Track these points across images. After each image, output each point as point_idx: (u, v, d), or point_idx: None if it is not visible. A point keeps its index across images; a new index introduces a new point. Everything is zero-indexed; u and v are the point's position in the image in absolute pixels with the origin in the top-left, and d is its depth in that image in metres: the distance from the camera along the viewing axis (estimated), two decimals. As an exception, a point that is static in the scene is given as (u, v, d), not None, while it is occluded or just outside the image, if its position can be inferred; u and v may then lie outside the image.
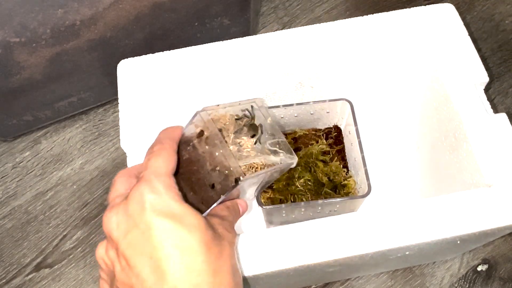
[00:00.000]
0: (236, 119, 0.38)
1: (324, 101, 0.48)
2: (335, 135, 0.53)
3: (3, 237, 0.59)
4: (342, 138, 0.53)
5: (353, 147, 0.48)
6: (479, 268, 0.57)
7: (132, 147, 0.42)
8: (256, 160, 0.36)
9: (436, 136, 0.46)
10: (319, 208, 0.46)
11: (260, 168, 0.37)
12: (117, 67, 0.45)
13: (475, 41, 0.65)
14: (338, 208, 0.47)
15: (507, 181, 0.38)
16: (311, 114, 0.50)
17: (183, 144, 0.37)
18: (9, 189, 0.62)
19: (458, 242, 0.40)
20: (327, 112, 0.50)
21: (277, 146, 0.40)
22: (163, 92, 0.46)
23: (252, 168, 0.36)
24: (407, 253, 0.41)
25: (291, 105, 0.48)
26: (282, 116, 0.50)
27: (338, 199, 0.45)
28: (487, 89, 0.64)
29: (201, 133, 0.36)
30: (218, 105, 0.38)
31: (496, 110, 0.65)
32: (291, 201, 0.48)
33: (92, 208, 0.61)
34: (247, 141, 0.37)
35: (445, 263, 0.57)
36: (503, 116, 0.40)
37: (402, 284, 0.56)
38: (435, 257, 0.54)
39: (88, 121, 0.66)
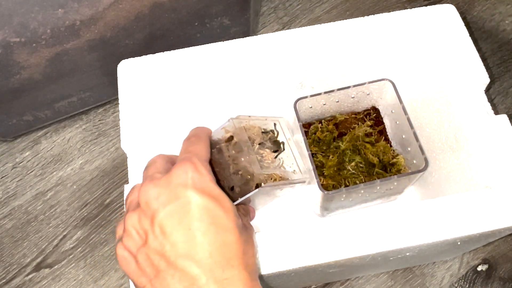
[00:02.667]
0: (262, 132, 0.41)
1: (364, 83, 0.48)
2: (374, 116, 0.53)
3: (3, 237, 0.59)
4: (381, 118, 0.54)
5: (399, 125, 0.49)
6: (479, 268, 0.57)
7: (132, 148, 0.42)
8: (277, 172, 0.39)
9: (437, 137, 0.46)
10: (378, 187, 0.46)
11: (278, 180, 0.39)
12: (117, 68, 0.45)
13: (475, 41, 0.65)
14: (395, 186, 0.47)
15: (508, 182, 0.38)
16: (352, 97, 0.51)
17: None
18: (9, 189, 0.62)
19: (459, 243, 0.40)
20: (367, 94, 0.51)
21: (293, 164, 0.42)
22: (164, 93, 0.46)
23: (271, 178, 0.38)
24: (407, 254, 0.41)
25: (332, 91, 0.48)
26: (324, 103, 0.50)
27: (395, 177, 0.44)
28: (487, 89, 0.64)
29: (230, 138, 0.38)
30: (249, 116, 0.41)
31: (496, 110, 0.66)
32: (345, 185, 0.49)
33: (92, 208, 0.61)
34: (269, 154, 0.40)
35: (445, 263, 0.57)
36: (503, 117, 0.40)
37: (402, 284, 0.56)
38: (435, 257, 0.54)
39: (88, 121, 0.66)
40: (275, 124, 0.42)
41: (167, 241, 0.29)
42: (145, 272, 0.30)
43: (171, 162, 0.35)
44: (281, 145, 0.41)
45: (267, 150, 0.40)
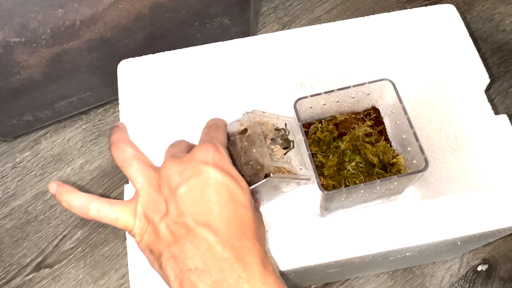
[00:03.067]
0: (275, 129, 0.43)
1: (364, 83, 0.49)
2: (374, 116, 0.54)
3: (3, 237, 0.59)
4: (381, 118, 0.54)
5: (399, 125, 0.49)
6: (479, 268, 0.57)
7: (132, 148, 0.42)
8: (285, 166, 0.41)
9: (437, 137, 0.46)
10: (378, 187, 0.46)
11: (286, 173, 0.41)
12: (117, 67, 0.45)
13: (475, 41, 0.65)
14: (395, 186, 0.47)
15: (507, 182, 0.38)
16: (352, 97, 0.51)
17: None
18: (9, 189, 0.62)
19: (459, 243, 0.40)
20: (367, 94, 0.51)
21: (300, 162, 0.44)
22: (164, 93, 0.46)
23: (280, 171, 0.41)
24: (407, 254, 0.41)
25: (332, 91, 0.48)
26: (324, 103, 0.51)
27: (395, 177, 0.44)
28: (487, 89, 0.64)
29: (244, 131, 0.41)
30: (263, 112, 0.44)
31: (496, 110, 0.66)
32: (345, 185, 0.49)
33: (92, 208, 0.60)
34: (279, 150, 0.42)
35: (445, 263, 0.57)
36: (503, 117, 0.40)
37: (402, 284, 0.56)
38: (435, 257, 0.54)
39: (88, 121, 0.66)
40: (285, 124, 0.45)
41: (188, 211, 0.31)
42: (163, 239, 0.31)
43: (191, 147, 0.38)
44: (291, 143, 0.43)
45: (277, 146, 0.42)
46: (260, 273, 0.29)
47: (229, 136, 0.42)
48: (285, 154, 0.42)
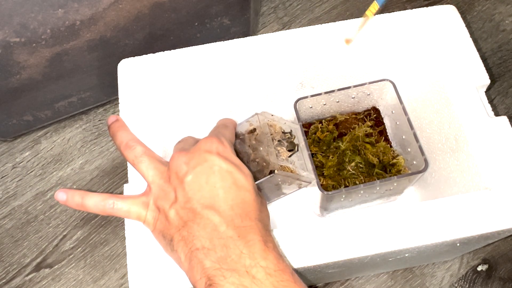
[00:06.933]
0: (282, 132, 0.45)
1: (365, 83, 0.49)
2: (374, 117, 0.54)
3: (3, 237, 0.59)
4: (382, 119, 0.54)
5: (399, 126, 0.49)
6: (479, 268, 0.57)
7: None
8: (290, 165, 0.43)
9: (437, 138, 0.46)
10: (377, 188, 0.46)
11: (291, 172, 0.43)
12: (118, 67, 0.45)
13: (475, 41, 0.65)
14: (395, 187, 0.47)
15: (507, 184, 0.38)
16: (352, 98, 0.51)
17: None
18: (9, 189, 0.62)
19: (458, 244, 0.40)
20: (367, 95, 0.51)
21: (302, 166, 0.46)
22: (164, 92, 0.46)
23: (284, 170, 0.43)
24: (406, 255, 0.41)
25: (333, 91, 0.49)
26: (324, 103, 0.51)
27: (395, 177, 0.44)
28: (487, 89, 0.64)
29: (253, 130, 0.44)
30: (272, 115, 0.46)
31: (496, 110, 0.66)
32: (345, 186, 0.49)
33: (92, 208, 0.60)
34: (284, 152, 0.45)
35: (445, 263, 0.57)
36: (504, 119, 0.40)
37: (402, 284, 0.56)
38: (434, 258, 0.54)
39: (88, 121, 0.66)
40: (291, 130, 0.47)
41: (195, 196, 0.34)
42: (174, 224, 0.34)
43: (197, 142, 0.39)
44: (296, 147, 0.45)
45: (283, 148, 0.44)
46: (261, 249, 0.32)
47: (238, 135, 0.45)
48: (289, 156, 0.44)
